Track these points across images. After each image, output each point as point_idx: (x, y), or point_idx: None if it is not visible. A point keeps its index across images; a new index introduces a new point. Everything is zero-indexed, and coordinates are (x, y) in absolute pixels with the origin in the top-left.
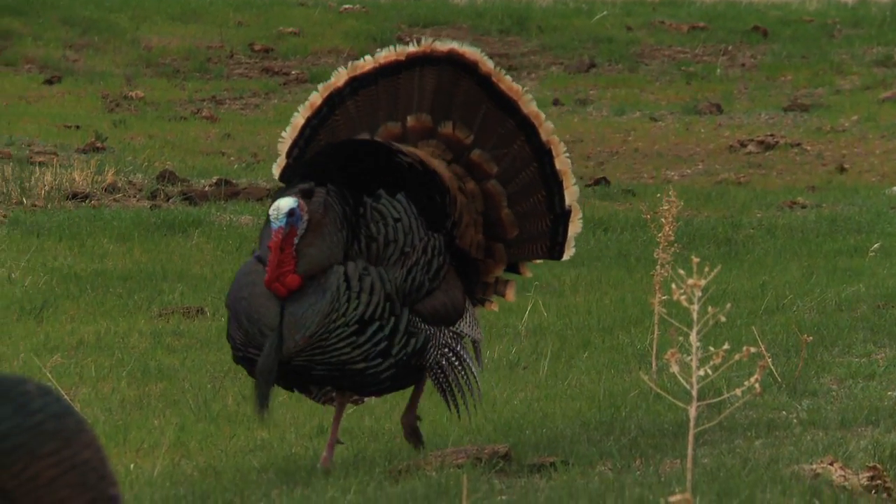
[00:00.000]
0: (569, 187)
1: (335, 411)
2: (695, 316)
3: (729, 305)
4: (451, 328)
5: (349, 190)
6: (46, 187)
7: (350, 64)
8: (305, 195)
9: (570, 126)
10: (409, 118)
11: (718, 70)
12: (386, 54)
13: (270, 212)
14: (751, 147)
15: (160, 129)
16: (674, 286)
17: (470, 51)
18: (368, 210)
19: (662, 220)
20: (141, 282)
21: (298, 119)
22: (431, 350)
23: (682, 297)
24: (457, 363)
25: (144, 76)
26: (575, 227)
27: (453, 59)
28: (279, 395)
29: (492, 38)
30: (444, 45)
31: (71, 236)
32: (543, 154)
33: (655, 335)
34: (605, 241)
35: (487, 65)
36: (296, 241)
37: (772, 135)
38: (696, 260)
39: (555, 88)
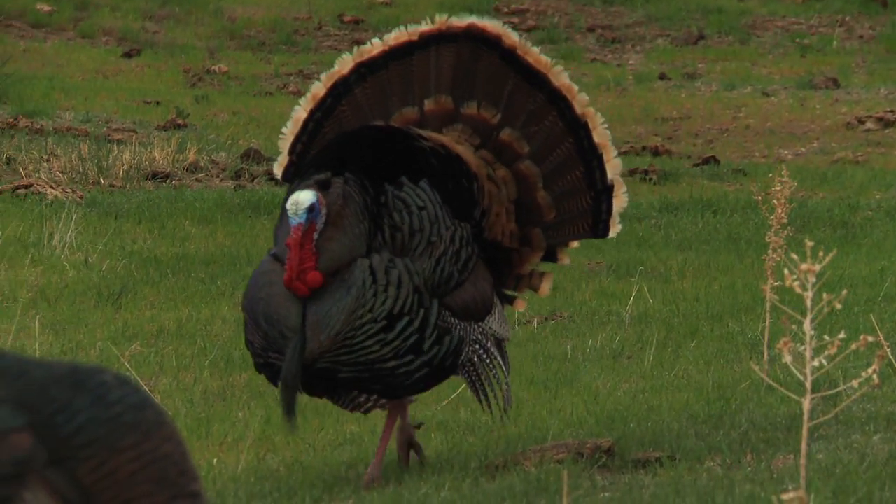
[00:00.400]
0: (610, 160)
1: (385, 421)
2: (809, 303)
3: (845, 292)
4: (479, 324)
5: (368, 178)
6: (125, 167)
7: (356, 49)
8: (322, 186)
9: (677, 102)
10: (426, 102)
11: (835, 42)
12: (396, 35)
13: (288, 206)
14: (869, 124)
15: (244, 105)
16: (786, 272)
17: (491, 24)
18: (391, 198)
19: (775, 201)
20: (224, 266)
21: (300, 112)
22: (464, 348)
23: (796, 284)
24: (487, 361)
25: (228, 49)
26: (620, 201)
27: (473, 35)
28: None
29: (594, 9)
30: (461, 21)
31: (150, 218)
32: (579, 128)
33: (767, 324)
34: (714, 223)
35: (511, 37)
36: (315, 236)
37: (891, 111)
38: (810, 244)
39: (661, 62)
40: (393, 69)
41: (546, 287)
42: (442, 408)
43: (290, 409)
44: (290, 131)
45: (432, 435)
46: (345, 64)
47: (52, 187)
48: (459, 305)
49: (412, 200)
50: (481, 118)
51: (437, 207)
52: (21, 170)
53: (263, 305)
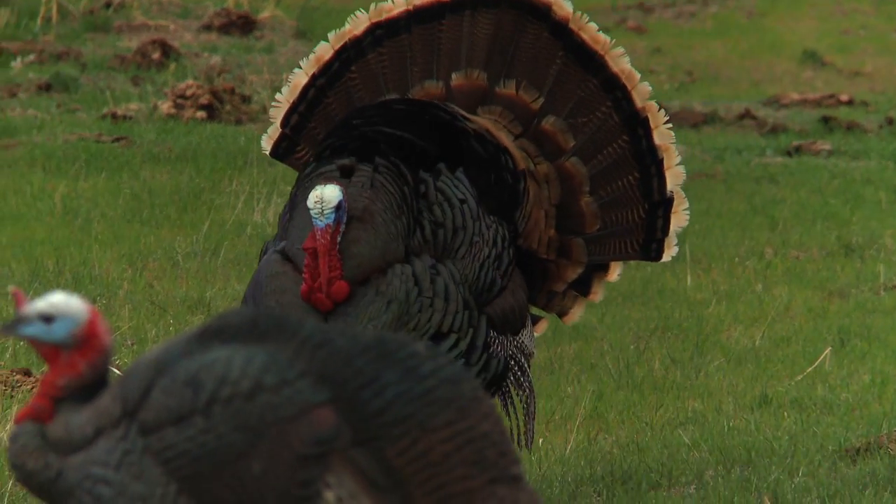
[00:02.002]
0: (671, 167)
1: None
2: None
3: None
4: (515, 337)
5: (406, 164)
6: None
7: (372, 7)
8: (344, 174)
9: None
10: (454, 76)
11: None
12: None
13: (311, 204)
14: None
15: None
16: None
17: None
18: (431, 189)
19: None
20: None
21: (300, 77)
22: (508, 373)
23: None
24: (522, 380)
25: None
26: (679, 219)
27: (518, 1)
28: (715, 360)
29: None
30: None
31: None
32: (637, 124)
33: None
34: None
35: (565, 8)
36: (338, 238)
37: None
38: None
39: None
40: (416, 34)
41: (577, 312)
42: (795, 384)
43: None
44: (284, 99)
45: (785, 414)
46: (358, 23)
47: None
48: (499, 315)
49: (452, 192)
50: (520, 101)
51: (475, 202)
52: None
53: None
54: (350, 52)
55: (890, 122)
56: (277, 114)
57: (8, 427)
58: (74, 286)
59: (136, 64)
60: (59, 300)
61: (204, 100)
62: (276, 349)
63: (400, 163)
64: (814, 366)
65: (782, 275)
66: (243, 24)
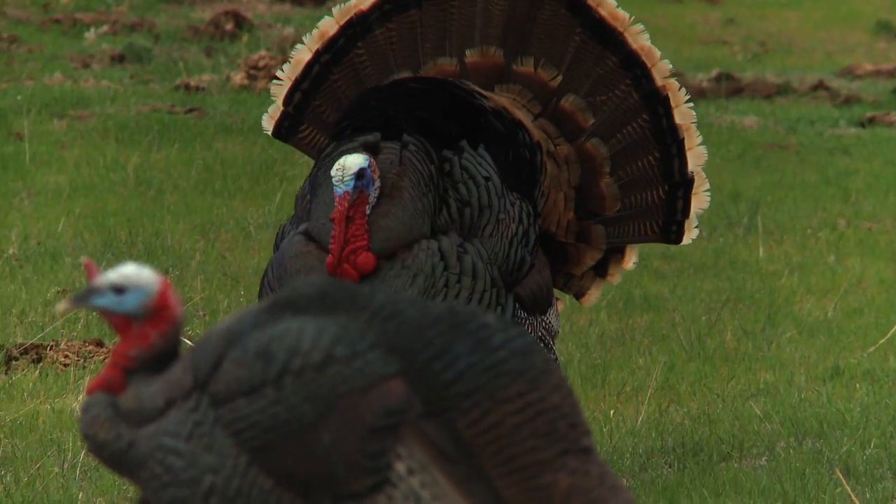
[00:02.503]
0: (692, 148)
1: None
2: None
3: None
4: (542, 317)
5: (431, 142)
6: None
7: None
8: (370, 150)
9: None
10: (469, 53)
11: None
12: None
13: (333, 172)
14: None
15: (649, 12)
16: None
17: None
18: (456, 167)
19: None
20: None
21: (303, 53)
22: None
23: None
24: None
25: None
26: (699, 200)
27: None
28: (787, 331)
29: None
30: None
31: None
32: (657, 103)
33: None
34: None
35: None
36: (367, 210)
37: None
38: None
39: None
40: (428, 9)
41: (595, 294)
42: (869, 354)
43: None
44: (287, 76)
45: (857, 385)
46: None
47: None
48: (528, 295)
49: (476, 170)
50: (539, 79)
51: (499, 179)
52: None
53: None
54: (357, 28)
55: None
56: (279, 92)
57: (80, 398)
58: (147, 257)
59: (209, 35)
60: (130, 271)
61: (277, 71)
62: (348, 321)
63: (425, 141)
64: (886, 337)
65: (855, 246)
66: None
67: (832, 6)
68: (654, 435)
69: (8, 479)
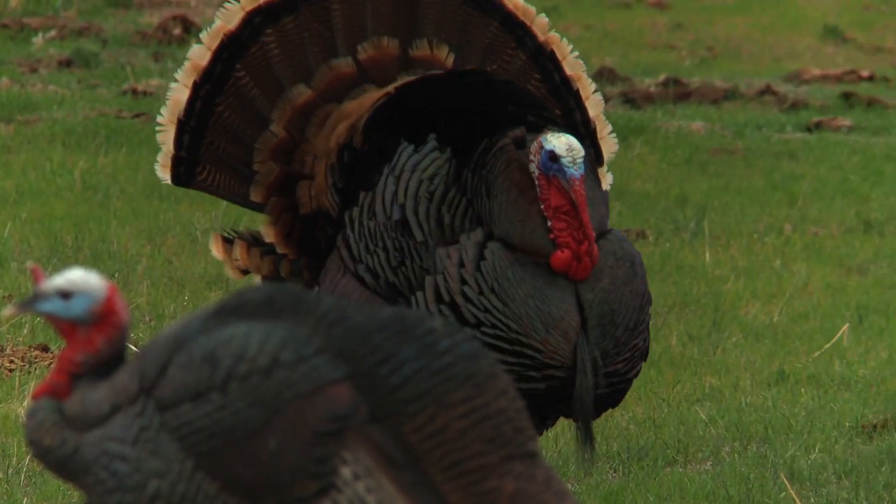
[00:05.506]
0: (588, 97)
1: None
2: None
3: None
4: None
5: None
6: None
7: None
8: (518, 146)
9: None
10: (362, 48)
11: None
12: None
13: (561, 151)
14: None
15: (598, 17)
16: None
17: None
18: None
19: None
20: None
21: (180, 92)
22: None
23: None
24: None
25: None
26: (608, 145)
27: None
28: (733, 336)
29: None
30: None
31: None
32: (545, 59)
33: None
34: None
35: None
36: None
37: None
38: None
39: None
40: (306, 12)
41: None
42: (814, 359)
43: (589, 436)
44: (168, 119)
45: (802, 390)
46: (231, 16)
47: None
48: None
49: None
50: (437, 60)
51: None
52: None
53: (535, 307)
54: (231, 50)
55: None
56: (166, 138)
57: (25, 403)
58: (93, 262)
59: (157, 40)
60: (77, 276)
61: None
62: (294, 326)
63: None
64: (831, 342)
65: (801, 251)
66: None
67: (780, 11)
68: (599, 440)
69: None
